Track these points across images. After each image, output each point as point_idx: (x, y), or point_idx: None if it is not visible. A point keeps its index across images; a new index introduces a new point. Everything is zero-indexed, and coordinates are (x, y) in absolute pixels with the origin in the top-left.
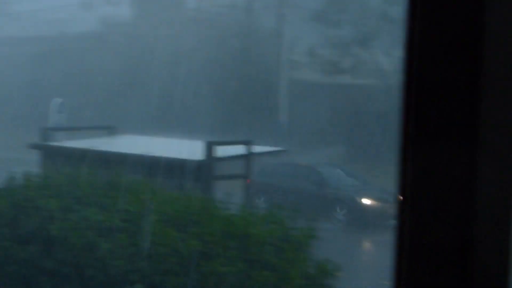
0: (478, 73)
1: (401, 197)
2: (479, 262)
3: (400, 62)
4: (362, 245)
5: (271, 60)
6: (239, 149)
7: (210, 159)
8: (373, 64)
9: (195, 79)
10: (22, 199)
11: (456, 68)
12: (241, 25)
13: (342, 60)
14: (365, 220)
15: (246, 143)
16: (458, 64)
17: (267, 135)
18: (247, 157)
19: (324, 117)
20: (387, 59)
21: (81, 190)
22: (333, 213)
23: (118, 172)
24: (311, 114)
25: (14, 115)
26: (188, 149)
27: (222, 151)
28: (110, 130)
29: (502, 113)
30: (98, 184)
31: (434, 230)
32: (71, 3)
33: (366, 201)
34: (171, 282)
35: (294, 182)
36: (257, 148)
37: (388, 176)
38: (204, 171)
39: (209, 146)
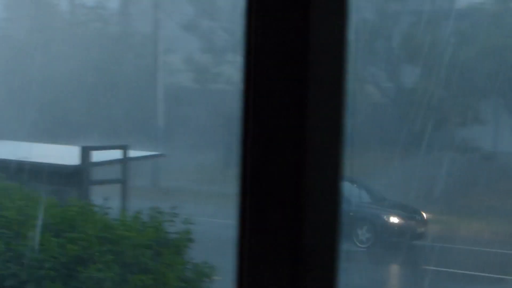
0: (305, 81)
1: (240, 197)
2: (309, 254)
3: None
4: (401, 272)
5: (148, 65)
6: (116, 154)
7: (86, 164)
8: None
9: (70, 84)
10: None
11: (285, 79)
12: (117, 30)
13: (217, 66)
14: (392, 241)
15: (123, 147)
16: (287, 74)
17: (144, 139)
18: (124, 162)
19: (200, 121)
20: None
21: None
22: (355, 233)
23: None
24: (188, 118)
25: None
26: (65, 154)
27: (98, 156)
28: None
29: (325, 117)
30: None
31: (269, 226)
32: None
33: (393, 219)
34: None
35: None
36: (134, 153)
37: None
38: (80, 176)
39: (85, 151)
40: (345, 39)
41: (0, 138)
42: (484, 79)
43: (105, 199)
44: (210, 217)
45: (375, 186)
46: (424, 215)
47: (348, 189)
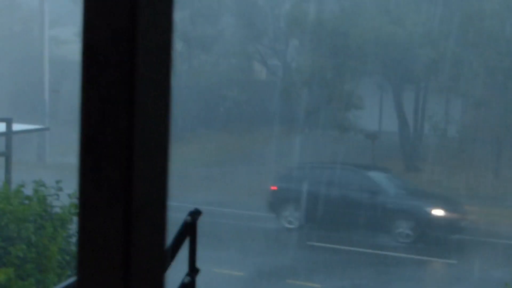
0: (133, 83)
1: (80, 157)
2: (140, 208)
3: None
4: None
5: (35, 38)
6: None
7: None
8: None
9: None
10: None
11: (113, 85)
12: (3, 2)
13: None
14: (436, 236)
15: (6, 120)
16: (115, 77)
17: (30, 113)
18: (8, 135)
19: None
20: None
21: None
22: (394, 227)
23: None
24: (73, 93)
25: None
26: None
27: None
28: None
29: (154, 118)
30: None
31: (104, 183)
32: None
33: (437, 212)
34: None
35: (335, 188)
36: (18, 126)
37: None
38: None
39: None
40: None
41: None
42: (371, 59)
43: None
44: None
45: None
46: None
47: (380, 179)
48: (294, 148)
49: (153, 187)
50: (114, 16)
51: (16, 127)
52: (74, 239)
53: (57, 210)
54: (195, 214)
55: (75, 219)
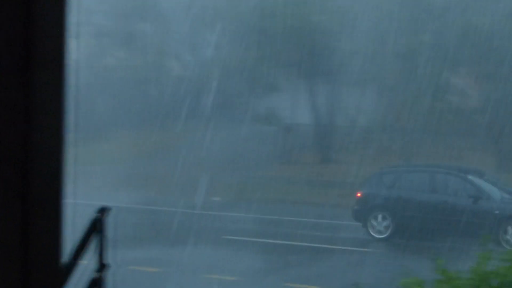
0: (28, 87)
1: None
2: (37, 201)
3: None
4: None
5: None
6: None
7: None
8: None
9: None
10: None
11: (10, 89)
12: None
13: None
14: None
15: None
16: (11, 81)
17: None
18: None
19: None
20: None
21: None
22: (502, 233)
23: None
24: None
25: None
26: None
27: None
28: None
29: (49, 120)
30: None
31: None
32: None
33: None
34: None
35: (430, 194)
36: None
37: None
38: None
39: None
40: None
41: None
42: (284, 51)
43: None
44: None
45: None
46: None
47: (481, 182)
48: (207, 142)
49: (49, 185)
50: (9, 24)
51: None
52: None
53: None
54: (103, 211)
55: None
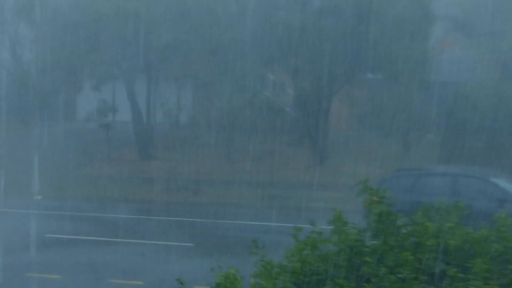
0: None
1: None
2: None
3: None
4: None
5: None
6: None
7: None
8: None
9: None
10: None
11: None
12: None
13: None
14: None
15: None
16: None
17: None
18: None
19: None
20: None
21: None
22: None
23: None
24: None
25: None
26: None
27: None
28: None
29: None
30: None
31: None
32: None
33: None
34: None
35: (452, 197)
36: None
37: None
38: None
39: None
40: None
41: None
42: (103, 49)
43: None
44: None
45: None
46: None
47: (505, 184)
48: (27, 142)
49: None
50: None
51: None
52: None
53: None
54: None
55: None
